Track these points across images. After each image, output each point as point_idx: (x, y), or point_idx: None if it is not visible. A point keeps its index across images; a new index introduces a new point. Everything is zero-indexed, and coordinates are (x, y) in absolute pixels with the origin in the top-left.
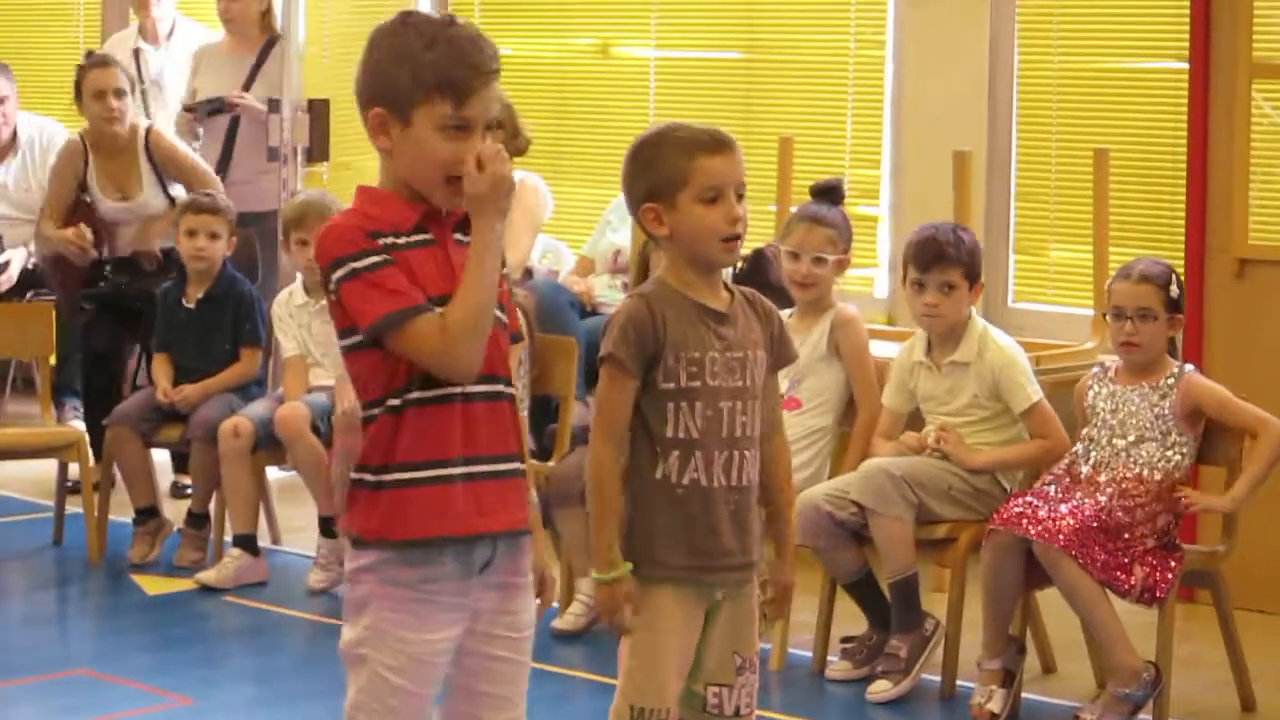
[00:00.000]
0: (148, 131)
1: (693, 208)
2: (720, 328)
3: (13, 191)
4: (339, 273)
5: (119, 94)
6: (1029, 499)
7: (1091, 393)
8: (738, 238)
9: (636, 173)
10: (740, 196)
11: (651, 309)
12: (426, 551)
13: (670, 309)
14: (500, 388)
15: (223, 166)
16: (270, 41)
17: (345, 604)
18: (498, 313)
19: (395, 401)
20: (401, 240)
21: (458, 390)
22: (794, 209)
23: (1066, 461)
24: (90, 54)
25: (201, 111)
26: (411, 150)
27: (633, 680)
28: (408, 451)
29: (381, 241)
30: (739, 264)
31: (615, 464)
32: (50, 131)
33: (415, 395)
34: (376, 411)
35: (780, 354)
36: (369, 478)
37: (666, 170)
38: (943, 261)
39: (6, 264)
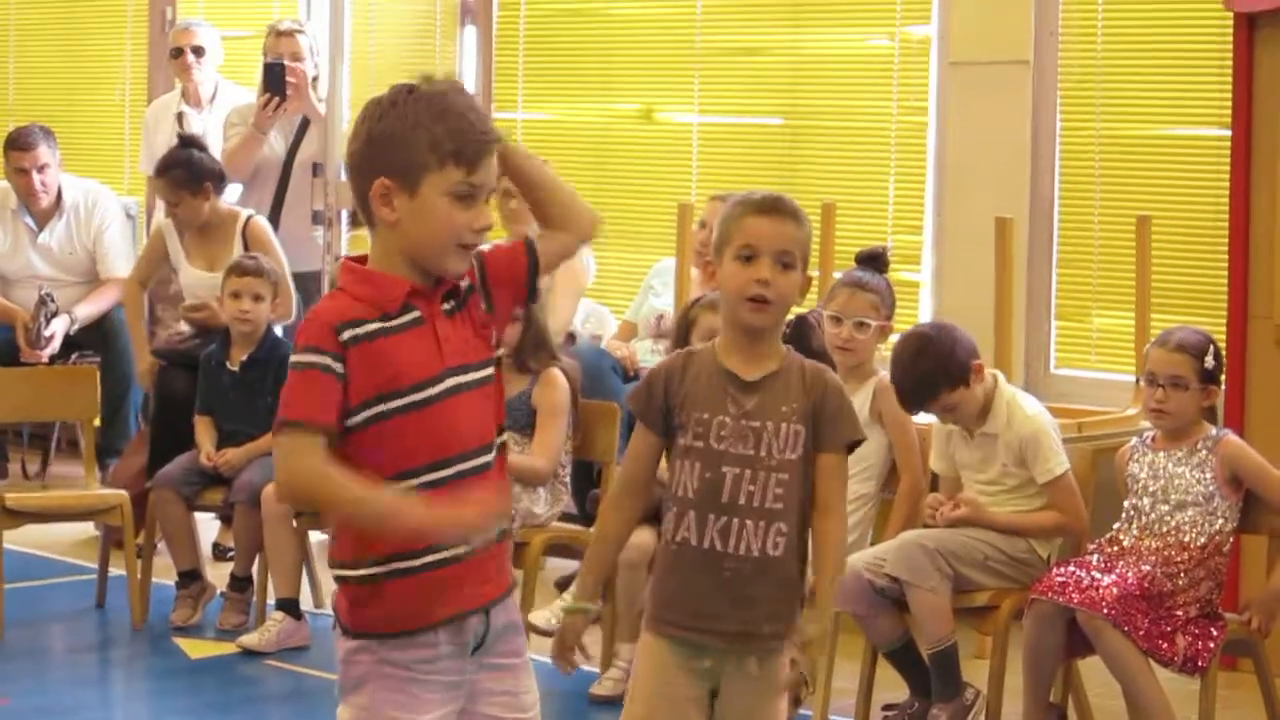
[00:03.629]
0: (248, 219)
1: (729, 264)
2: (740, 395)
3: (58, 254)
4: (293, 357)
5: (172, 205)
6: (1071, 568)
7: (1133, 464)
8: (764, 301)
9: (714, 228)
10: (786, 266)
11: (680, 365)
12: (417, 636)
13: (698, 368)
14: (489, 458)
15: (271, 224)
16: None
17: (340, 683)
18: (483, 372)
19: None
20: (391, 324)
21: (448, 473)
22: (838, 274)
23: (1110, 532)
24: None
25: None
26: (421, 220)
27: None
28: (383, 546)
29: (355, 332)
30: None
31: (614, 508)
32: (95, 194)
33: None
34: None
35: (830, 432)
36: (351, 572)
37: (722, 228)
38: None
39: (52, 336)
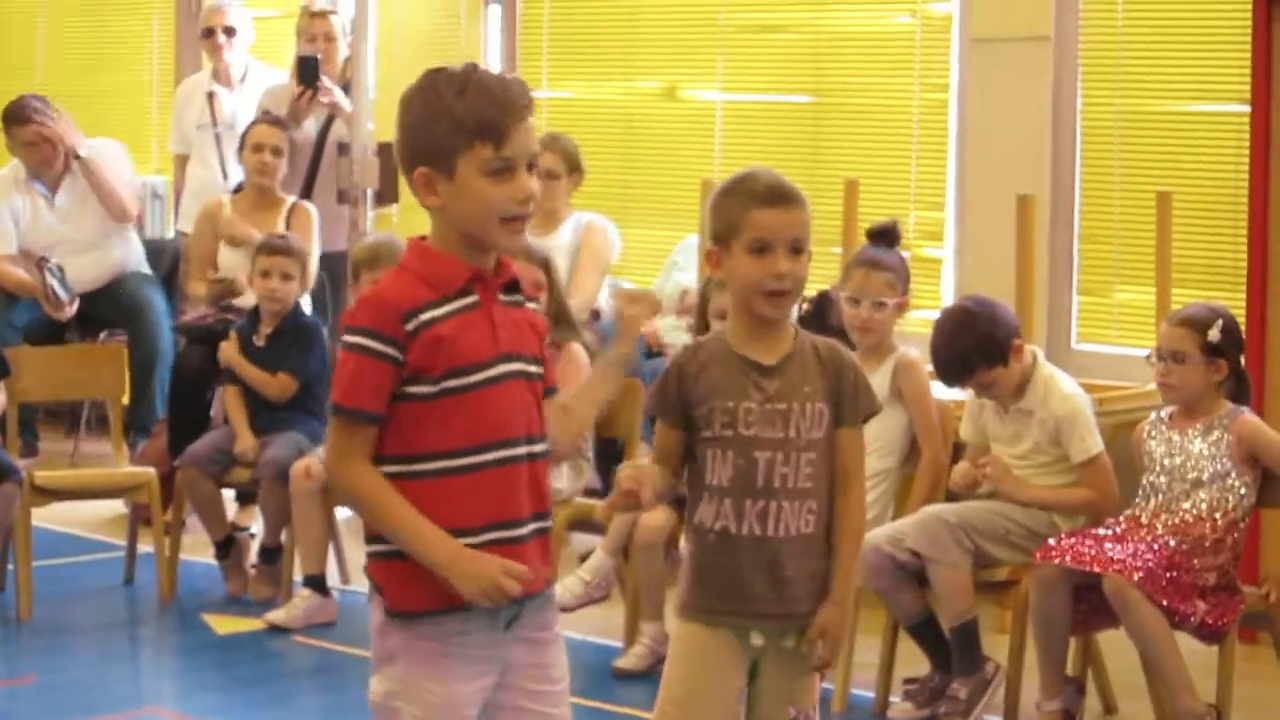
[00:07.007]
0: (295, 203)
1: (742, 257)
2: (762, 380)
3: (69, 209)
4: (348, 336)
5: (276, 152)
6: (1082, 539)
7: (1150, 440)
8: (782, 293)
9: (710, 214)
10: (797, 251)
11: (692, 358)
12: (452, 613)
13: (713, 359)
14: (539, 448)
15: None
16: (344, 88)
17: (374, 655)
18: (533, 368)
19: (409, 468)
20: (445, 309)
21: (490, 458)
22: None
23: (1129, 509)
24: (266, 113)
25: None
26: (462, 201)
27: (664, 715)
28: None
29: (420, 319)
30: (803, 306)
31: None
32: (96, 146)
33: (434, 465)
34: (393, 470)
35: (851, 407)
36: (381, 547)
37: (725, 217)
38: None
39: (71, 293)
